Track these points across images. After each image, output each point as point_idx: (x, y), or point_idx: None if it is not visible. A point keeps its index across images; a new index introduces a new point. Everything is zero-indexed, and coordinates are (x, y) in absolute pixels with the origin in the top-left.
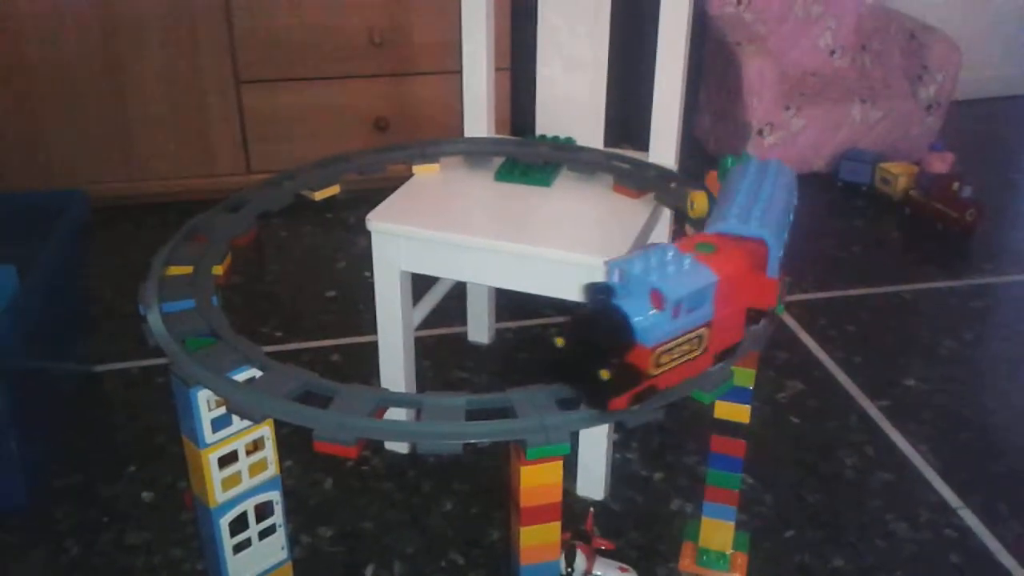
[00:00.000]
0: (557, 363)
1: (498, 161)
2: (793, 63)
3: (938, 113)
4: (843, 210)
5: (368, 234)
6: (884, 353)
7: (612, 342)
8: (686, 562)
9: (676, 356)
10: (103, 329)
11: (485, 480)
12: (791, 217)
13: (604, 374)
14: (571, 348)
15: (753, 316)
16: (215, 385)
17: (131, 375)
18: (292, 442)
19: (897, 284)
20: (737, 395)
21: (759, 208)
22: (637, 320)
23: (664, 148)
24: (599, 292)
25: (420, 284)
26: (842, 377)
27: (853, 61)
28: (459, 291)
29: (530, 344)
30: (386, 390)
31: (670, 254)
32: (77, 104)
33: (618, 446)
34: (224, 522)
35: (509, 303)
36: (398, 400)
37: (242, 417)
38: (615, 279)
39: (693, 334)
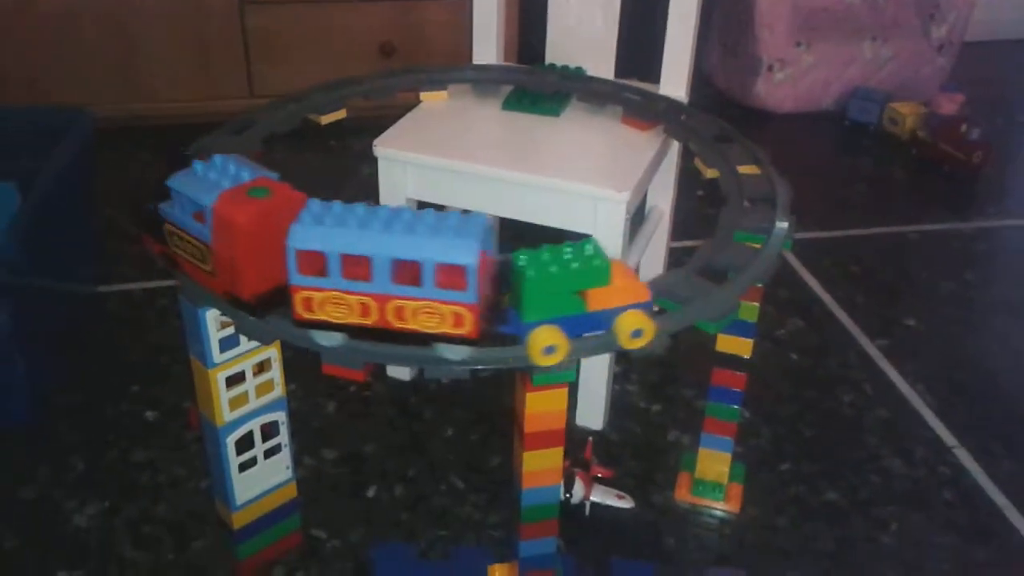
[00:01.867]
0: None
1: (506, 90)
2: None
3: (949, 53)
4: (850, 149)
5: (373, 162)
6: (885, 293)
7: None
8: (682, 491)
9: (185, 249)
10: (107, 249)
11: (485, 407)
12: None
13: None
14: None
15: None
16: (224, 306)
17: (135, 296)
18: (296, 366)
19: (901, 225)
20: (740, 329)
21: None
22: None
23: (675, 81)
24: None
25: None
26: (842, 316)
27: None
28: None
29: None
30: None
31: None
32: (76, 24)
33: (618, 378)
34: (231, 440)
35: (514, 235)
36: None
37: (251, 339)
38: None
39: (198, 241)
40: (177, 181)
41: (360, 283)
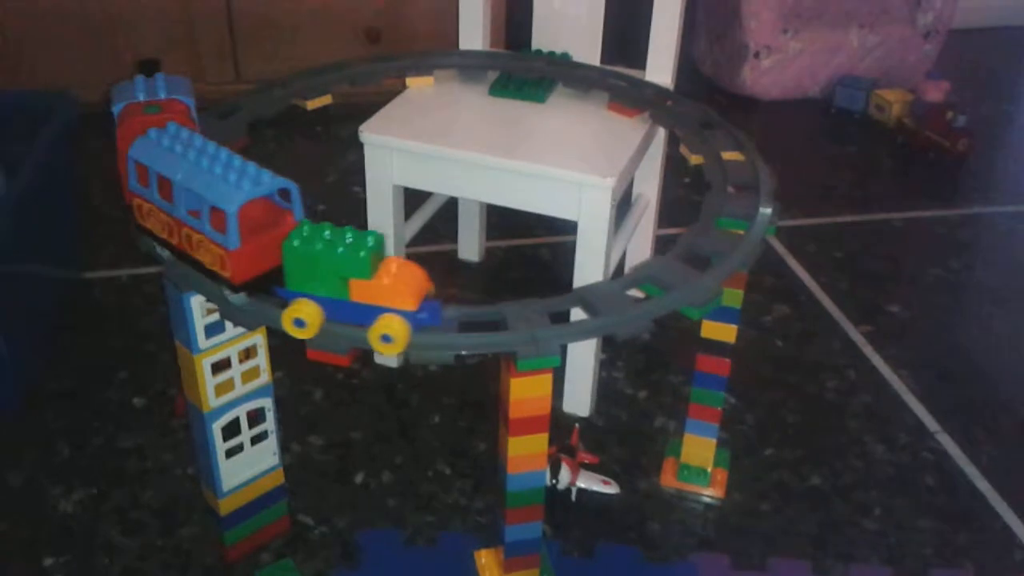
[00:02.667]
0: None
1: (493, 76)
2: None
3: (936, 41)
4: (836, 137)
5: (358, 149)
6: (870, 280)
7: None
8: (667, 477)
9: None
10: (92, 235)
11: (472, 394)
12: None
13: None
14: None
15: None
16: (209, 291)
17: (121, 282)
18: (283, 353)
19: (886, 212)
20: (724, 315)
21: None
22: None
23: (661, 67)
24: None
25: (410, 201)
26: (827, 302)
27: None
28: (450, 209)
29: (520, 262)
30: None
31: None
32: (61, 8)
33: (604, 365)
34: (217, 427)
35: (500, 221)
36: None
37: (235, 324)
38: None
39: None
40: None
41: (167, 204)
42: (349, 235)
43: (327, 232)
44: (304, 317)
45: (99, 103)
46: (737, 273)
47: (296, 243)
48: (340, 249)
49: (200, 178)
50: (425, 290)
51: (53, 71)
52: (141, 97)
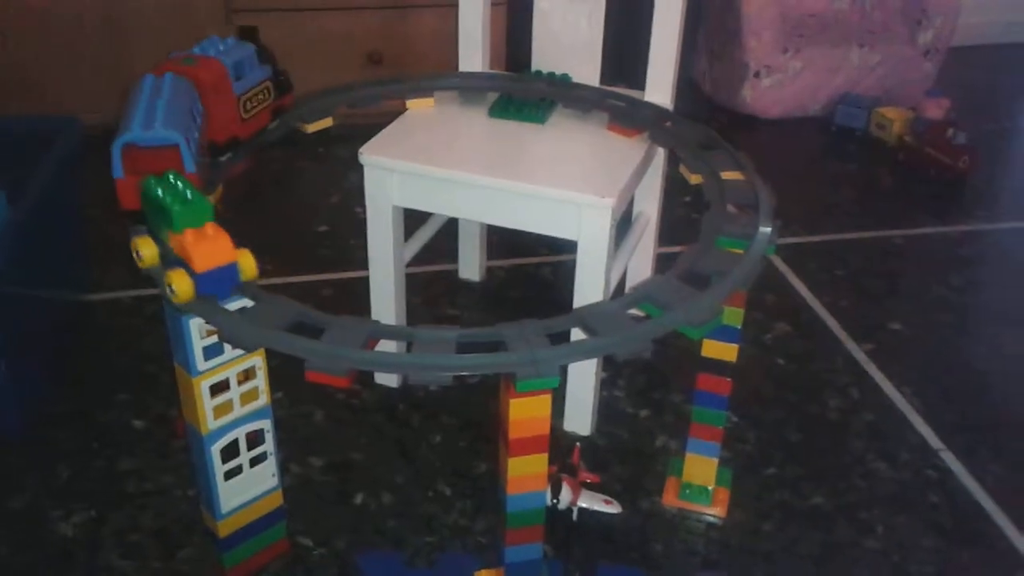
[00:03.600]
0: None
1: (493, 97)
2: (793, 4)
3: (936, 59)
4: (837, 154)
5: (360, 169)
6: (872, 297)
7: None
8: (669, 496)
9: None
10: (95, 258)
11: (472, 414)
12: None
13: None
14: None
15: None
16: (207, 313)
17: (123, 304)
18: (282, 374)
19: (888, 229)
20: (725, 334)
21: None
22: None
23: (660, 87)
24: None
25: (411, 221)
26: (829, 320)
27: (853, 4)
28: (450, 229)
29: (521, 282)
30: (377, 322)
31: None
32: (69, 34)
33: (605, 384)
34: (215, 449)
35: (500, 241)
36: (390, 332)
37: (234, 346)
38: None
39: None
40: None
41: None
42: (189, 193)
43: (180, 185)
44: (142, 250)
45: (104, 127)
46: (737, 292)
47: (149, 182)
48: (166, 197)
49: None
50: (226, 261)
51: (59, 96)
52: (211, 52)
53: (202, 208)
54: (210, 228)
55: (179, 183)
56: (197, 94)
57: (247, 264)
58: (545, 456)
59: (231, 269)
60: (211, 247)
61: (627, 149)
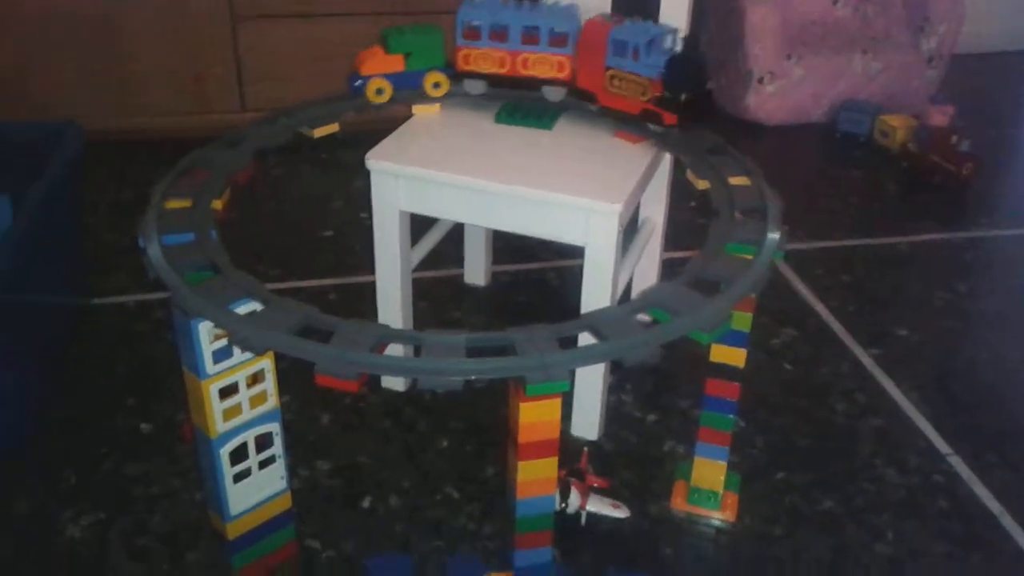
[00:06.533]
0: (688, 110)
1: (499, 103)
2: (796, 11)
3: (939, 66)
4: (841, 161)
5: (365, 175)
6: (878, 303)
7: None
8: (678, 500)
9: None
10: (99, 263)
11: (480, 419)
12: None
13: (710, 86)
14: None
15: None
16: (217, 317)
17: (128, 309)
18: (290, 378)
19: (892, 236)
20: (734, 339)
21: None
22: None
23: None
24: (690, 41)
25: (417, 227)
26: (835, 325)
27: (856, 11)
28: (456, 234)
29: (526, 287)
30: (387, 326)
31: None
32: (67, 37)
33: (613, 389)
34: (224, 452)
35: (506, 246)
36: (399, 336)
37: (244, 349)
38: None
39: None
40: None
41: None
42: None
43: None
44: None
45: (105, 133)
46: (746, 297)
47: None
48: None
49: (532, 15)
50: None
51: (58, 102)
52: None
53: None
54: None
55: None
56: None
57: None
58: (555, 460)
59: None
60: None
61: (634, 155)
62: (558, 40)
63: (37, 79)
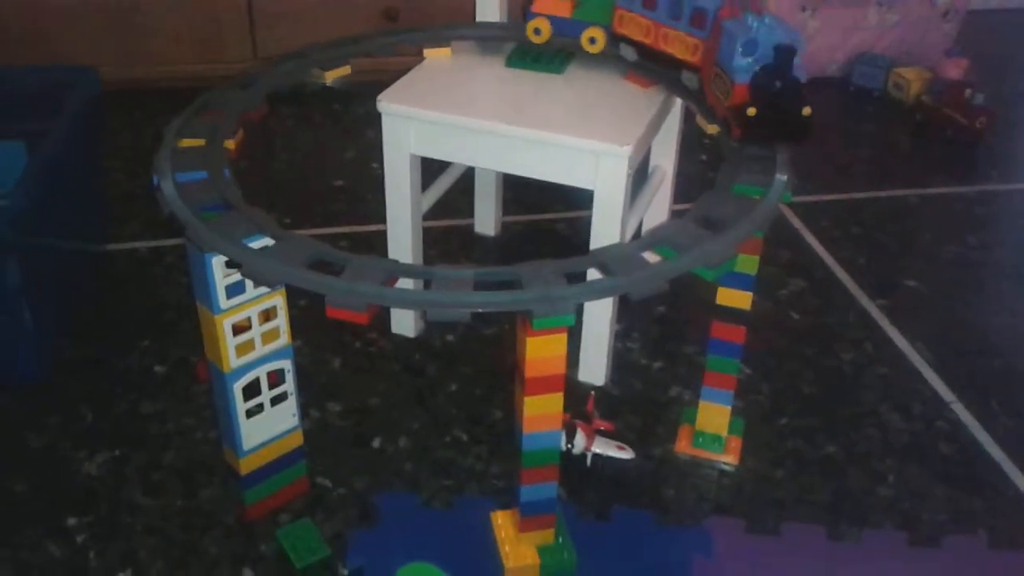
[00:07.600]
0: (752, 127)
1: (510, 47)
2: None
3: (955, 19)
4: (854, 114)
5: (378, 127)
6: (887, 255)
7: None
8: (682, 444)
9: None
10: (114, 210)
11: (488, 364)
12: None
13: (807, 111)
14: (762, 109)
15: None
16: (230, 251)
17: (142, 254)
18: (302, 322)
19: (904, 188)
20: (739, 281)
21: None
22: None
23: None
24: (785, 53)
25: (427, 175)
26: (844, 276)
27: None
28: (466, 185)
29: (536, 237)
30: (396, 261)
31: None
32: None
33: (620, 336)
34: (238, 387)
35: (516, 196)
36: (408, 271)
37: (256, 283)
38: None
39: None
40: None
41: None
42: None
43: None
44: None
45: (117, 82)
46: (753, 239)
47: None
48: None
49: None
50: None
51: (75, 50)
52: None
53: None
54: None
55: None
56: None
57: None
58: (560, 395)
59: None
60: None
61: (644, 99)
62: (698, 17)
63: (51, 29)
